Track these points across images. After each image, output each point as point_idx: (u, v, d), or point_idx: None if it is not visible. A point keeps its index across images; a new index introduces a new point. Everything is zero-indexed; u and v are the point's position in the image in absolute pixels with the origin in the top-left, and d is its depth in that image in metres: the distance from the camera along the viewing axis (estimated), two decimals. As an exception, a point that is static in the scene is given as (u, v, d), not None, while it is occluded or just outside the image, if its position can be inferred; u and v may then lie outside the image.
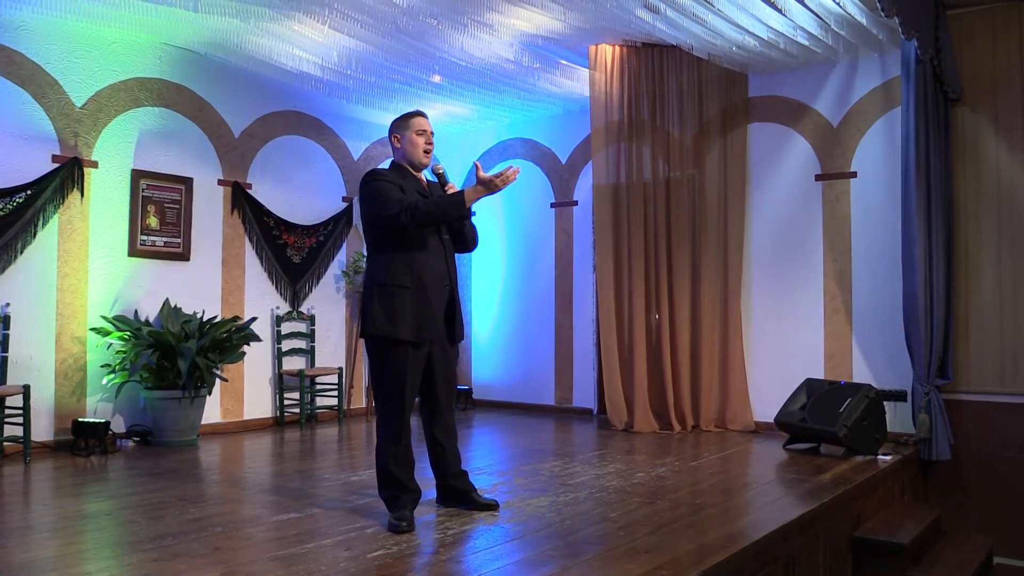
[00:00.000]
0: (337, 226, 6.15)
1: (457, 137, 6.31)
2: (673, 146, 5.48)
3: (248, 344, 4.97)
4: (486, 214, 6.58)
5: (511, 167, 2.53)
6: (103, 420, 4.44)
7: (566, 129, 6.42)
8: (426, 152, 2.70)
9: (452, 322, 2.67)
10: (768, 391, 5.08)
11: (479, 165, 2.62)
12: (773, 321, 5.17)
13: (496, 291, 6.57)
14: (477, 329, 6.58)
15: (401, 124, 2.77)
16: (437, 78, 5.26)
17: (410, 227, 2.51)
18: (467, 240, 2.76)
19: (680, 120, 5.46)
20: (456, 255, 2.85)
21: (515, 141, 6.75)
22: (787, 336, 5.12)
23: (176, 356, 4.55)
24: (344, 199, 6.25)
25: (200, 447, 4.53)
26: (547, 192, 6.57)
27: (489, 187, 2.54)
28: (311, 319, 5.89)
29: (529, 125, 6.61)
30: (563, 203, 6.44)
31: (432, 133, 2.75)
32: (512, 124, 6.68)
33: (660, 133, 5.49)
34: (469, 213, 2.61)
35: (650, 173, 5.49)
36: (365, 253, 5.13)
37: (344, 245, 6.27)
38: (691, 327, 5.32)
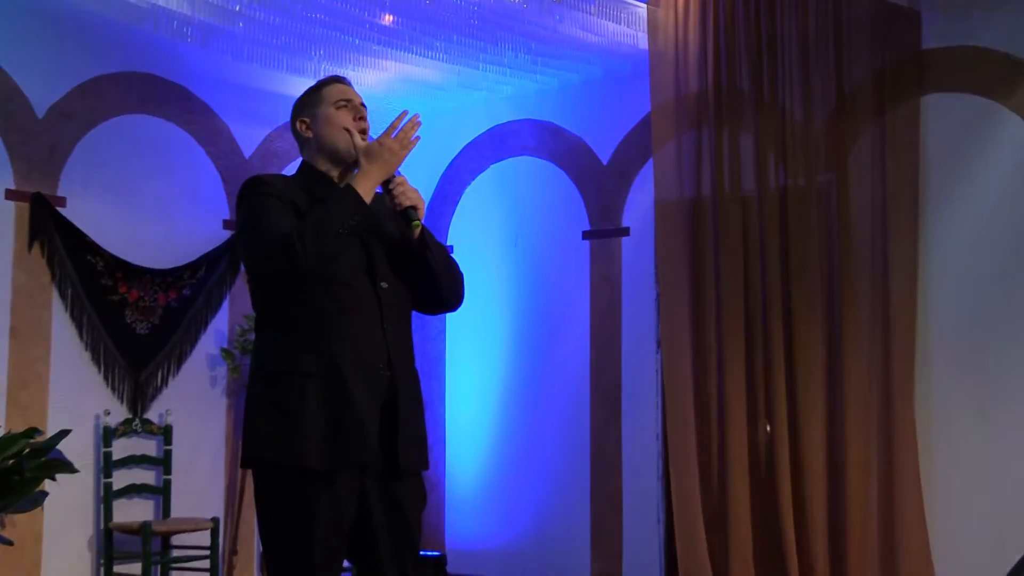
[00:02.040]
0: (213, 272, 6.04)
1: (425, 121, 5.43)
2: (793, 134, 5.34)
3: (53, 478, 4.70)
4: (468, 249, 6.50)
5: (405, 113, 2.45)
6: None
7: (607, 106, 6.28)
8: (360, 131, 2.58)
9: (396, 436, 2.46)
10: (965, 546, 4.90)
11: (353, 136, 2.53)
12: (975, 433, 4.96)
13: (487, 386, 6.46)
14: (453, 452, 6.51)
15: (308, 100, 2.65)
16: (388, 18, 5.18)
17: (306, 266, 2.35)
18: (438, 285, 2.58)
19: (805, 91, 5.34)
20: (420, 317, 2.69)
21: (522, 126, 6.59)
22: (999, 458, 4.91)
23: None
24: (227, 225, 6.12)
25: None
26: (576, 213, 6.38)
27: (375, 156, 2.43)
28: (165, 433, 5.73)
29: (545, 99, 6.48)
30: (604, 232, 6.27)
31: (365, 107, 2.61)
32: (517, 98, 6.54)
33: (770, 113, 5.38)
34: (415, 233, 2.49)
35: (754, 180, 5.37)
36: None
37: (226, 303, 6.09)
38: (828, 443, 5.15)
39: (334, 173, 2.57)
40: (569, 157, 6.47)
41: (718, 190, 5.45)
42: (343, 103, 2.58)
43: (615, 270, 6.26)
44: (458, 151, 6.82)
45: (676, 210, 5.56)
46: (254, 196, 2.48)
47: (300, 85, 6.49)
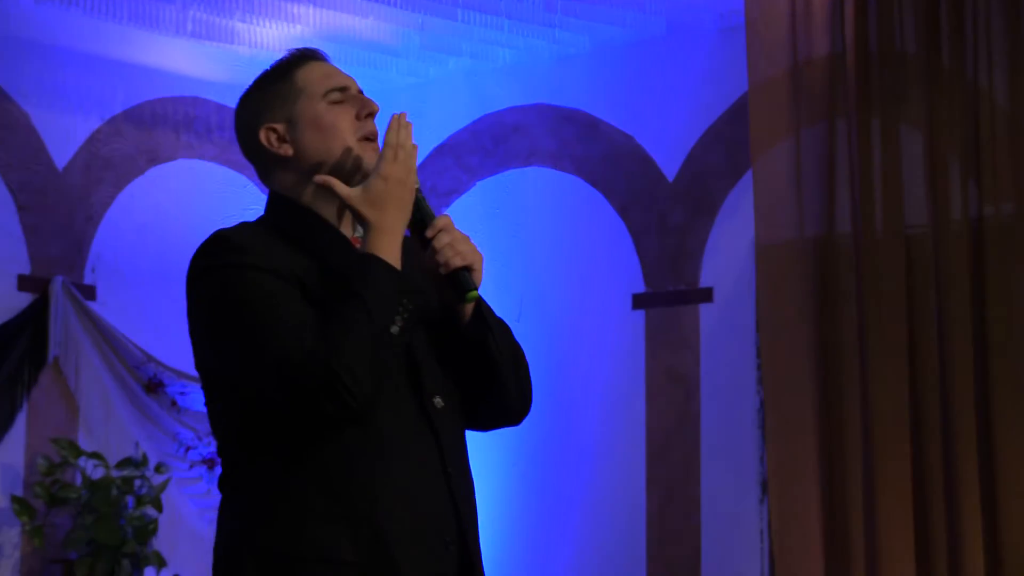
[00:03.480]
0: (-1, 365, 6.04)
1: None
2: (992, 128, 5.27)
3: None
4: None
5: (402, 118, 2.52)
6: None
7: (675, 84, 6.20)
8: (367, 141, 2.59)
9: None
10: None
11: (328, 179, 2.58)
12: None
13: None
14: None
15: (274, 93, 2.64)
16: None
17: (361, 410, 2.43)
18: (502, 388, 2.66)
19: (1013, 59, 5.23)
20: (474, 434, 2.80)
21: (529, 116, 6.50)
22: None
23: None
24: (25, 284, 6.02)
25: None
26: (622, 264, 6.26)
27: (384, 200, 2.52)
28: None
29: (569, 72, 6.43)
30: (670, 296, 6.19)
31: (362, 90, 2.68)
32: (520, 69, 6.52)
33: (953, 93, 5.31)
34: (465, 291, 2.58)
35: (926, 205, 5.36)
36: (189, 450, 6.18)
37: (20, 420, 6.02)
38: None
39: (331, 211, 2.60)
40: (610, 169, 6.32)
41: (864, 222, 5.36)
42: (337, 93, 2.60)
43: (689, 361, 6.13)
44: (422, 158, 6.66)
45: (792, 257, 5.50)
46: (233, 272, 2.48)
47: (155, 47, 6.41)
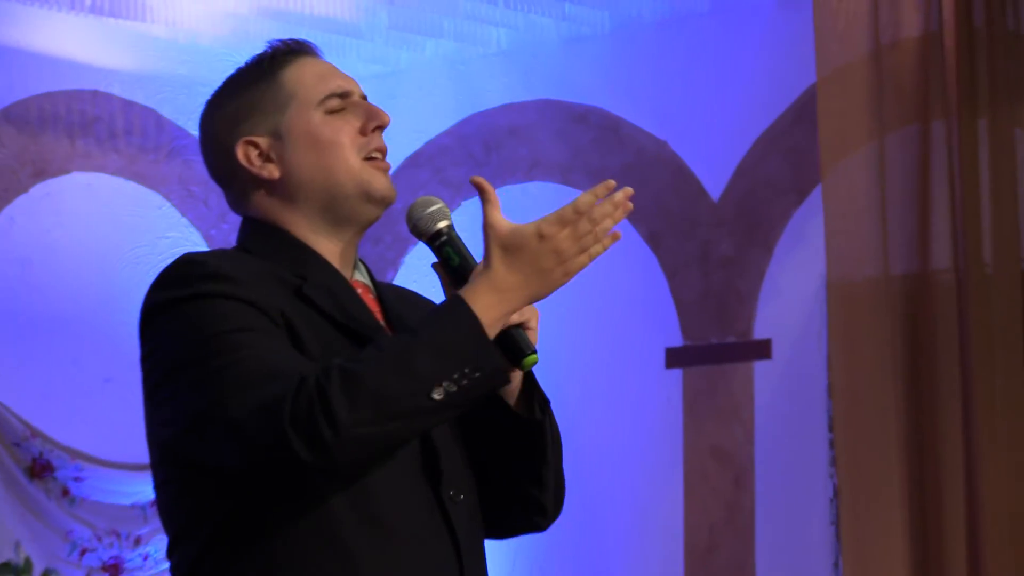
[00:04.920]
0: None
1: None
2: None
3: None
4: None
5: (609, 189, 2.42)
6: None
7: (721, 76, 6.23)
8: (373, 160, 2.58)
9: None
10: None
11: (484, 186, 2.50)
12: None
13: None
14: None
15: (254, 99, 2.65)
16: None
17: (339, 467, 2.43)
18: (542, 488, 2.68)
19: None
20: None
21: (529, 111, 6.61)
22: None
23: None
24: None
25: None
26: (653, 310, 6.32)
27: (528, 260, 2.48)
28: None
29: (580, 59, 6.49)
30: (715, 351, 6.24)
31: (365, 96, 2.71)
32: (517, 55, 6.64)
33: None
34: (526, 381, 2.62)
35: None
36: (85, 552, 6.23)
37: None
38: None
39: (331, 247, 2.58)
40: (636, 186, 6.10)
41: (969, 254, 5.37)
42: (336, 100, 2.61)
43: (739, 436, 6.12)
44: (393, 168, 6.35)
45: (875, 300, 5.50)
46: (205, 304, 2.47)
47: (43, 26, 6.57)
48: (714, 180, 6.10)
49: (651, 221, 6.18)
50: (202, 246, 7.04)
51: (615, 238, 2.36)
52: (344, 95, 2.60)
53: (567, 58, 6.40)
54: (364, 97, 2.64)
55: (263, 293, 2.45)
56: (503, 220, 2.41)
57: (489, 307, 2.37)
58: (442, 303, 2.44)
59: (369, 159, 2.53)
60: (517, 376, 2.50)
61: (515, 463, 2.59)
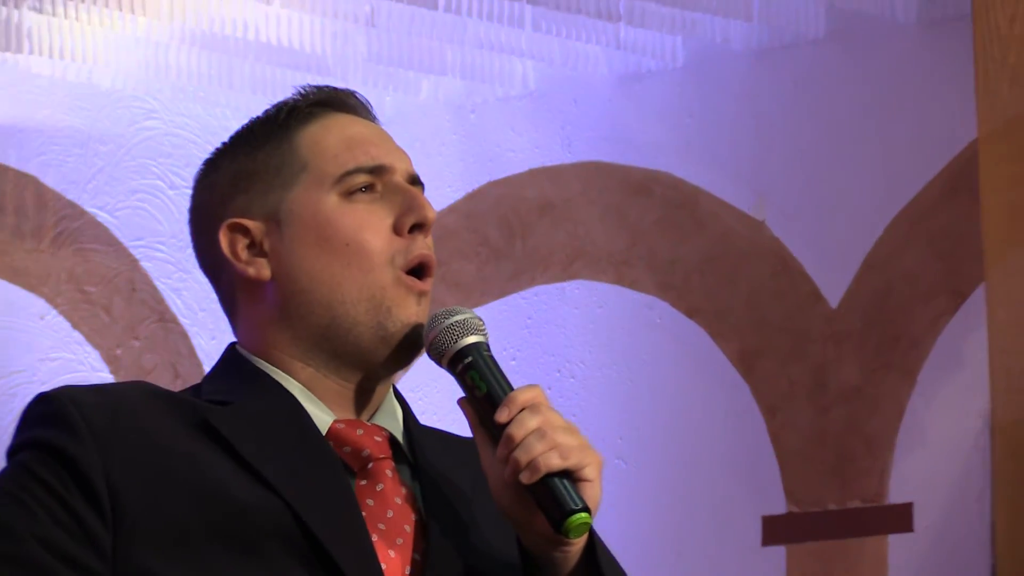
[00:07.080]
0: None
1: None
2: None
3: None
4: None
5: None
6: None
7: (838, 135, 5.71)
8: (415, 275, 2.47)
9: None
10: None
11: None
12: None
13: None
14: None
15: (265, 159, 2.50)
16: None
17: None
18: None
19: None
20: None
21: (569, 179, 6.30)
22: None
23: None
24: None
25: None
26: (745, 460, 5.82)
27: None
28: None
29: (638, 105, 6.07)
30: (831, 520, 5.85)
31: (421, 183, 2.58)
32: (548, 98, 6.27)
33: None
34: None
35: None
36: None
37: None
38: None
39: (334, 388, 2.31)
40: (721, 286, 6.03)
41: None
42: (364, 176, 2.32)
43: None
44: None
45: None
46: (22, 455, 2.41)
47: None
48: (832, 280, 5.39)
49: (743, 337, 5.46)
50: (103, 372, 5.98)
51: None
52: (377, 170, 2.26)
53: (623, 102, 5.70)
54: (416, 180, 2.29)
55: (122, 444, 2.10)
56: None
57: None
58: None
59: (407, 274, 2.16)
60: (575, 547, 2.13)
61: None
